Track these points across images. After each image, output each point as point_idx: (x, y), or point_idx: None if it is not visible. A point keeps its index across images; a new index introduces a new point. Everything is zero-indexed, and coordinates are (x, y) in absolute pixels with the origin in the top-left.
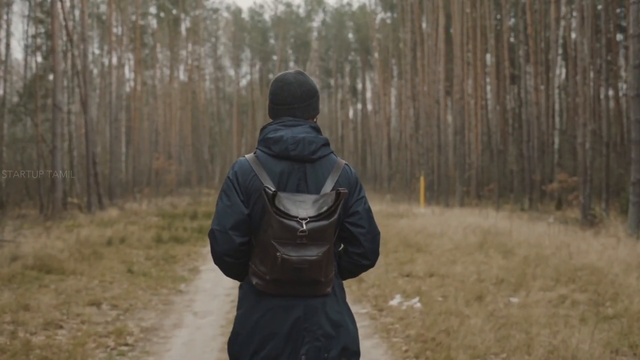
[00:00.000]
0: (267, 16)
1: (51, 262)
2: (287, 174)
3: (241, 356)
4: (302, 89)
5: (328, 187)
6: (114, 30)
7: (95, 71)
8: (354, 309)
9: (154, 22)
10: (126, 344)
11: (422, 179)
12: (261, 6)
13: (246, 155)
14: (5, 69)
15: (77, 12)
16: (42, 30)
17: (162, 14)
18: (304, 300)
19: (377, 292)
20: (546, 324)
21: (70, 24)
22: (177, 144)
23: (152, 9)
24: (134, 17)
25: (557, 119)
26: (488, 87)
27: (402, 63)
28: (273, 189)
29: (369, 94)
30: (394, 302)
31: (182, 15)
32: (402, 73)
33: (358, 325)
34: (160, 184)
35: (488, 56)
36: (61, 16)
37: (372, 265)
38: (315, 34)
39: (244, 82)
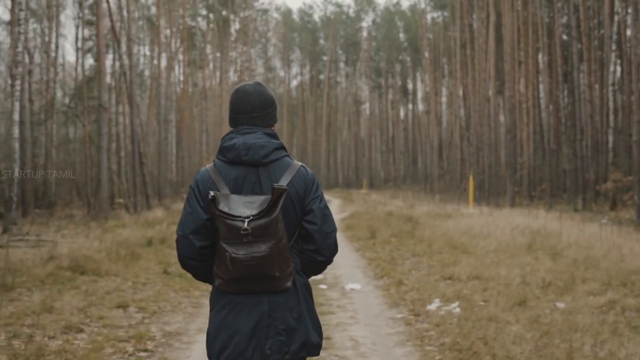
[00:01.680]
0: (316, 16)
1: (86, 262)
2: (242, 179)
3: (212, 354)
4: (261, 99)
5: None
6: (164, 31)
7: (146, 72)
8: (389, 313)
9: (203, 24)
10: (145, 350)
11: (470, 178)
12: (310, 7)
13: (207, 165)
14: (54, 71)
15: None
16: (93, 32)
17: (211, 16)
18: (267, 296)
19: (415, 295)
20: (593, 332)
21: (118, 25)
22: None
23: (202, 11)
24: (184, 19)
25: (611, 117)
26: (540, 86)
27: (453, 62)
28: (212, 194)
29: (419, 94)
30: (431, 307)
31: (232, 17)
32: (452, 72)
33: (393, 331)
34: None
35: (540, 54)
36: (108, 17)
37: (327, 261)
38: (365, 34)
39: (294, 83)
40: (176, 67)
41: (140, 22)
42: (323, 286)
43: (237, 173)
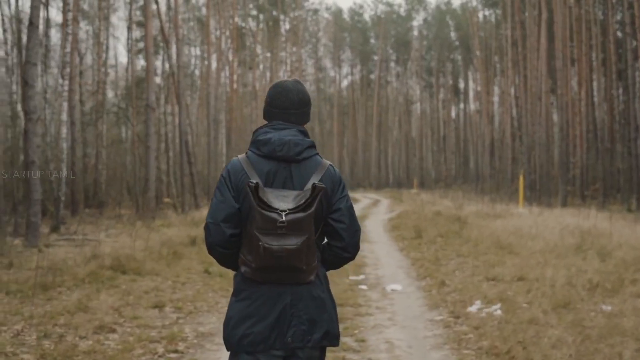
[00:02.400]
0: (367, 16)
1: (127, 262)
2: (273, 173)
3: (231, 339)
4: (299, 97)
5: (311, 184)
6: (215, 32)
7: (197, 73)
8: (429, 315)
9: (253, 25)
10: (176, 351)
11: (521, 178)
12: (361, 6)
13: (239, 156)
14: (105, 72)
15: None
16: (143, 33)
17: (261, 16)
18: (291, 287)
19: (457, 297)
20: (638, 336)
21: (167, 26)
22: None
23: (252, 11)
24: (234, 19)
25: None
26: (594, 83)
27: (504, 60)
28: (255, 182)
29: (471, 93)
30: (472, 309)
31: (282, 17)
32: (504, 70)
33: (430, 333)
34: None
35: (593, 51)
36: (157, 18)
37: (352, 257)
38: (415, 33)
39: (345, 83)
40: (226, 68)
41: (192, 23)
42: (364, 287)
43: (270, 167)
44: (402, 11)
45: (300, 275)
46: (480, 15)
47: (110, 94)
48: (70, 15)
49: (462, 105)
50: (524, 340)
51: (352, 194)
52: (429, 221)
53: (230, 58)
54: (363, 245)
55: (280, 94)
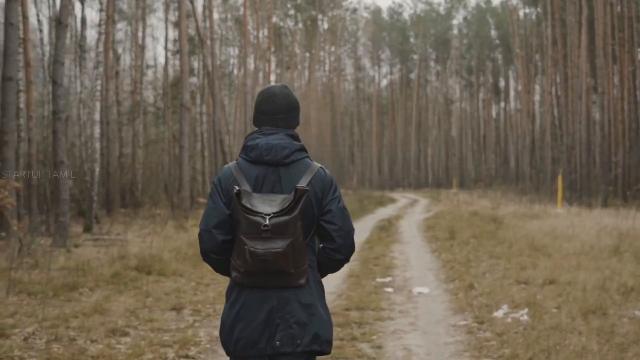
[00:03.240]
0: (406, 15)
1: (153, 262)
2: (262, 177)
3: (228, 344)
4: (287, 101)
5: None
6: (253, 32)
7: (235, 73)
8: (452, 320)
9: (292, 24)
10: (187, 356)
11: (559, 178)
12: (400, 5)
13: (230, 163)
14: (142, 72)
15: (215, 13)
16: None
17: (299, 15)
18: (277, 291)
19: (484, 301)
20: None
21: (203, 25)
22: (315, 145)
23: (290, 11)
24: (270, 19)
25: None
26: (636, 81)
27: (545, 59)
28: (237, 188)
29: (512, 92)
30: (498, 314)
31: (320, 16)
32: (544, 69)
33: (452, 339)
34: None
35: (635, 49)
36: (193, 18)
37: (346, 260)
38: (455, 31)
39: (384, 82)
40: (264, 67)
41: (230, 23)
42: (389, 289)
43: (258, 172)
44: (441, 10)
45: (289, 278)
46: (521, 13)
47: (150, 94)
48: (103, 15)
49: (502, 104)
50: (547, 348)
51: (391, 194)
52: (465, 222)
53: (268, 58)
54: (394, 247)
55: (267, 99)
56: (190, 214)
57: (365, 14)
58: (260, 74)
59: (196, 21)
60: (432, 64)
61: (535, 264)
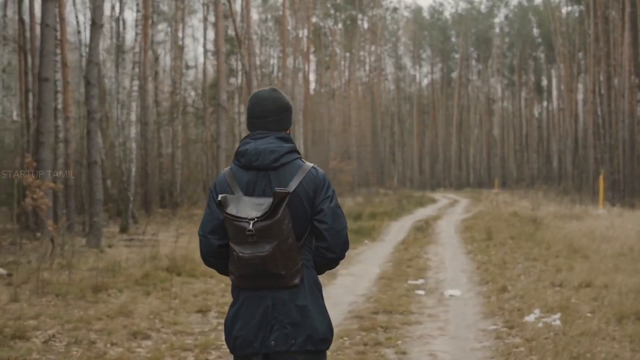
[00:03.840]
0: (447, 13)
1: (184, 263)
2: (253, 182)
3: (228, 342)
4: (275, 104)
5: (292, 188)
6: (293, 32)
7: (275, 72)
8: (482, 324)
9: (332, 24)
10: None
11: (600, 178)
12: (441, 4)
13: (225, 169)
14: (180, 73)
15: (254, 12)
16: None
17: (339, 15)
18: (271, 292)
19: (516, 304)
20: None
21: (241, 25)
22: (355, 144)
23: (330, 11)
24: (309, 19)
25: None
26: None
27: (588, 57)
28: (220, 197)
29: (554, 91)
30: (529, 318)
31: (360, 16)
32: (587, 67)
33: (479, 345)
34: (336, 183)
35: None
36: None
37: (338, 258)
38: (497, 30)
39: (425, 81)
40: (304, 67)
41: (270, 23)
42: (420, 292)
43: (249, 177)
44: (483, 8)
45: (281, 280)
46: (563, 11)
47: (191, 94)
48: (139, 15)
49: (545, 104)
50: (577, 355)
51: (432, 194)
52: (503, 222)
53: (308, 58)
54: (429, 248)
55: (256, 104)
56: None
57: (405, 13)
58: (300, 74)
59: (234, 21)
60: (473, 62)
61: (572, 266)
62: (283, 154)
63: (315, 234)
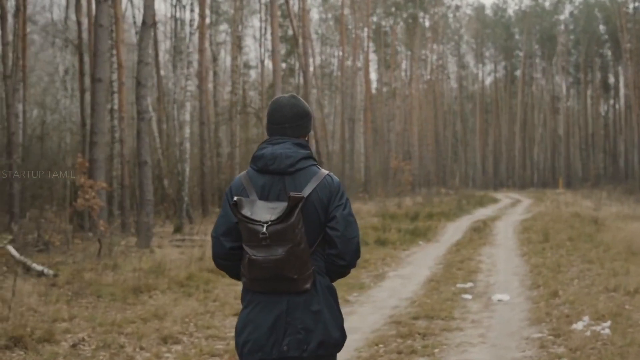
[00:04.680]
0: (511, 11)
1: None
2: (268, 186)
3: (238, 346)
4: (293, 111)
5: (306, 194)
6: (353, 31)
7: (336, 72)
8: (527, 332)
9: (392, 23)
10: None
11: None
12: (505, 1)
13: (241, 173)
14: (239, 73)
15: (314, 12)
16: (280, 34)
17: (399, 14)
18: (287, 296)
19: (566, 310)
20: None
21: (299, 24)
22: (417, 144)
23: (390, 9)
24: (368, 18)
25: None
26: None
27: None
28: (235, 199)
29: (622, 89)
30: (577, 326)
31: (421, 14)
32: None
33: (520, 355)
34: (396, 183)
35: None
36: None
37: (349, 265)
38: (562, 27)
39: (488, 80)
40: (364, 67)
41: (331, 23)
42: (467, 296)
43: (265, 181)
44: (547, 5)
45: (293, 284)
46: (630, 7)
47: (253, 94)
48: (194, 15)
49: (611, 102)
50: None
51: (494, 194)
52: (563, 223)
53: (368, 57)
54: (483, 249)
55: (275, 110)
56: None
57: (468, 11)
58: (360, 74)
59: (291, 21)
60: (537, 60)
61: (628, 269)
62: (299, 160)
63: (328, 241)
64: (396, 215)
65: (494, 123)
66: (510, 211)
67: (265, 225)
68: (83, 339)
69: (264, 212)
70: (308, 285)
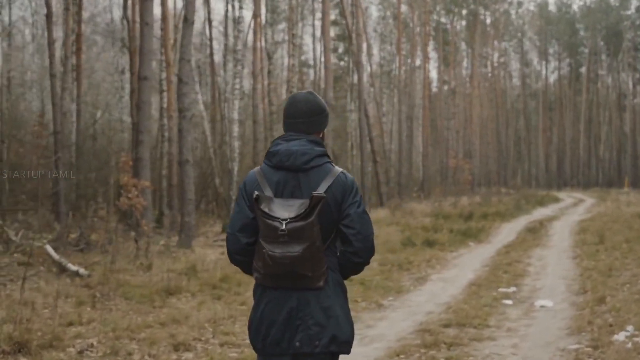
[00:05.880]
0: (575, 7)
1: None
2: (283, 183)
3: (256, 342)
4: (308, 106)
5: (321, 192)
6: (413, 29)
7: (394, 70)
8: (564, 342)
9: (452, 20)
10: None
11: None
12: None
13: (255, 168)
14: (293, 71)
15: (374, 10)
16: (337, 32)
17: (460, 11)
18: (297, 292)
19: (610, 319)
20: None
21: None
22: (478, 142)
23: (450, 6)
24: (426, 15)
25: None
26: None
27: None
28: (257, 193)
29: None
30: (619, 337)
31: (482, 11)
32: None
33: None
34: (455, 183)
35: None
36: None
37: (365, 262)
38: (628, 23)
39: (552, 77)
40: (423, 64)
41: (390, 21)
42: (508, 301)
43: (279, 177)
44: (613, 0)
45: (307, 281)
46: None
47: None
48: (241, 12)
49: None
50: None
51: (556, 194)
52: (622, 224)
53: (427, 54)
54: (534, 251)
55: (291, 105)
56: None
57: (531, 7)
58: (420, 71)
59: (345, 18)
60: (602, 57)
61: None
62: (314, 157)
63: (342, 238)
64: (450, 215)
65: (558, 121)
66: (571, 211)
67: (284, 222)
68: (92, 345)
69: (280, 208)
70: (322, 283)
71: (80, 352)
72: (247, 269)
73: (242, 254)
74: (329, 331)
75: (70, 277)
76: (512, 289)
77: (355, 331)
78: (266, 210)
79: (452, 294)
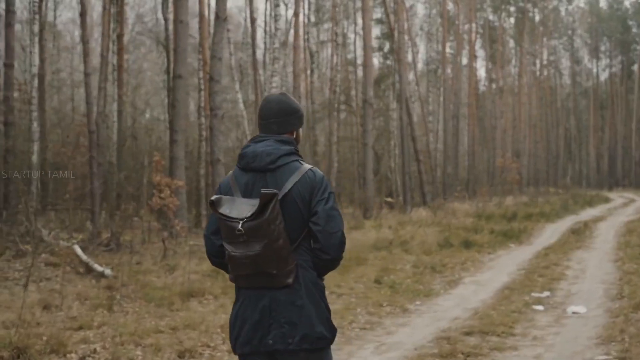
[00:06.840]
0: (627, 3)
1: None
2: (251, 184)
3: (231, 341)
4: (279, 107)
5: (286, 189)
6: (460, 27)
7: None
8: (592, 353)
9: (500, 17)
10: None
11: None
12: None
13: (230, 172)
14: (336, 70)
15: (420, 8)
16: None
17: (508, 8)
18: (269, 291)
19: None
20: None
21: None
22: (527, 141)
23: (498, 4)
24: (474, 13)
25: None
26: None
27: None
28: (212, 198)
29: None
30: None
31: (531, 8)
32: None
33: None
34: (502, 182)
35: None
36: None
37: (334, 259)
38: None
39: (603, 75)
40: (470, 62)
41: (438, 19)
42: (539, 307)
43: (248, 179)
44: None
45: (274, 279)
46: None
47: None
48: (277, 10)
49: None
50: None
51: (607, 194)
52: None
53: (474, 52)
54: (574, 254)
55: (263, 106)
56: (377, 215)
57: (581, 4)
58: (466, 70)
59: (387, 15)
60: None
61: None
62: (280, 156)
63: (312, 236)
64: (493, 215)
65: (610, 120)
66: (620, 212)
67: (240, 222)
68: (95, 351)
69: (243, 209)
70: (289, 280)
71: (83, 358)
72: (227, 270)
73: (217, 256)
74: (301, 329)
75: (96, 278)
76: (546, 293)
77: (374, 338)
78: (226, 212)
79: (482, 298)
